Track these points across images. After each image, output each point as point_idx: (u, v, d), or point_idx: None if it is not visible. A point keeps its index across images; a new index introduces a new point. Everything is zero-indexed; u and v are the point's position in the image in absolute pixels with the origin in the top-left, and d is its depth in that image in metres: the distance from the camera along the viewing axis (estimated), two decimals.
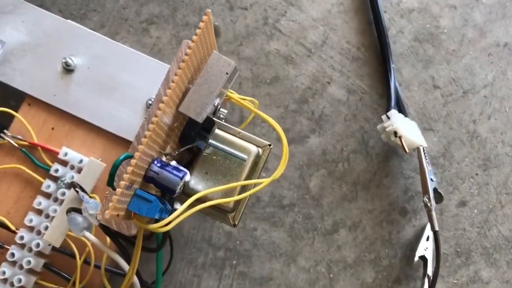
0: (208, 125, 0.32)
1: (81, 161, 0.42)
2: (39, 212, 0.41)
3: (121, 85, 0.44)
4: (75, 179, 0.41)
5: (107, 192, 0.31)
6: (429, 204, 0.44)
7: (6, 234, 0.41)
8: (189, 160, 0.35)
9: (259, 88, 0.49)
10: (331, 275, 0.46)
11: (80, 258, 0.40)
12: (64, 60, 0.43)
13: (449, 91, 0.50)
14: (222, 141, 0.35)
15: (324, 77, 0.50)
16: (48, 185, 0.41)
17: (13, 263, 0.40)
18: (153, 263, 0.36)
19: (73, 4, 0.50)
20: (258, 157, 0.36)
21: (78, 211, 0.35)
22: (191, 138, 0.32)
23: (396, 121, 0.45)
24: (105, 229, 0.33)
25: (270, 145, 0.36)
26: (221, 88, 0.31)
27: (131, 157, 0.28)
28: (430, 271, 0.44)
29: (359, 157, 0.49)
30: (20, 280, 0.40)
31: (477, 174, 0.49)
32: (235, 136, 0.36)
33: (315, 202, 0.48)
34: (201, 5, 0.50)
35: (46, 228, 0.40)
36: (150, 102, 0.43)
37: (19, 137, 0.43)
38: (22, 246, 0.41)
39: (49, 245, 0.40)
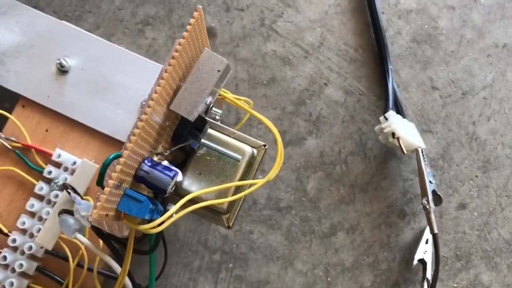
0: (200, 124, 0.31)
1: (74, 162, 0.41)
2: (32, 214, 0.41)
3: (115, 87, 0.44)
4: (68, 181, 0.40)
5: (98, 193, 0.30)
6: (427, 206, 0.44)
7: None
8: (183, 161, 0.34)
9: (256, 90, 0.49)
10: (329, 279, 0.46)
11: (73, 262, 0.39)
12: (58, 61, 0.43)
13: (448, 93, 0.50)
14: (216, 142, 0.34)
15: (321, 78, 0.49)
16: (41, 187, 0.41)
17: (5, 266, 0.40)
18: (148, 266, 0.36)
19: (68, 6, 0.50)
20: (252, 157, 0.35)
21: (70, 213, 0.34)
22: (183, 137, 0.32)
23: (394, 122, 0.44)
24: (97, 231, 0.32)
25: (265, 145, 0.36)
26: (213, 86, 0.30)
27: (121, 156, 0.27)
28: (429, 274, 0.44)
29: (357, 159, 0.48)
30: (12, 284, 0.39)
31: (476, 176, 0.48)
32: (229, 136, 0.35)
33: (312, 204, 0.47)
34: (197, 6, 0.50)
35: (39, 230, 0.39)
36: (144, 103, 0.43)
37: (13, 138, 0.42)
38: (15, 249, 0.40)
39: (42, 247, 0.39)
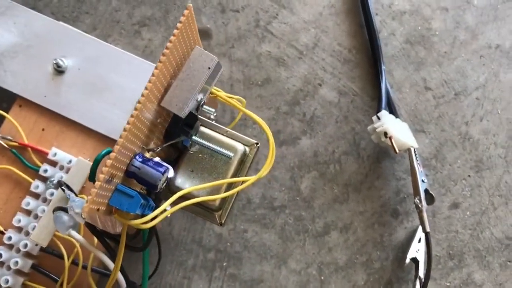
0: (191, 121, 0.32)
1: (70, 161, 0.42)
2: (27, 212, 0.41)
3: (112, 87, 0.44)
4: (64, 179, 0.41)
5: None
6: (420, 205, 0.44)
7: None
8: (176, 158, 0.35)
9: (251, 90, 0.49)
10: (322, 278, 0.46)
11: (68, 259, 0.40)
12: (55, 62, 0.44)
13: (441, 93, 0.50)
14: (209, 139, 0.35)
15: (315, 79, 0.50)
16: (36, 186, 0.41)
17: (1, 264, 0.40)
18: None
19: (65, 7, 0.50)
20: (245, 155, 0.35)
21: (65, 210, 0.35)
22: (175, 134, 0.32)
23: (387, 121, 0.45)
24: (91, 227, 0.33)
25: (257, 143, 0.36)
26: (204, 83, 0.31)
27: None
28: (421, 273, 0.44)
29: (350, 158, 0.48)
30: (7, 281, 0.40)
31: (469, 176, 0.48)
32: (222, 134, 0.36)
33: (306, 204, 0.47)
34: (193, 7, 0.51)
35: (34, 228, 0.40)
36: None
37: (10, 138, 0.43)
38: (10, 246, 0.40)
39: (37, 245, 0.40)
